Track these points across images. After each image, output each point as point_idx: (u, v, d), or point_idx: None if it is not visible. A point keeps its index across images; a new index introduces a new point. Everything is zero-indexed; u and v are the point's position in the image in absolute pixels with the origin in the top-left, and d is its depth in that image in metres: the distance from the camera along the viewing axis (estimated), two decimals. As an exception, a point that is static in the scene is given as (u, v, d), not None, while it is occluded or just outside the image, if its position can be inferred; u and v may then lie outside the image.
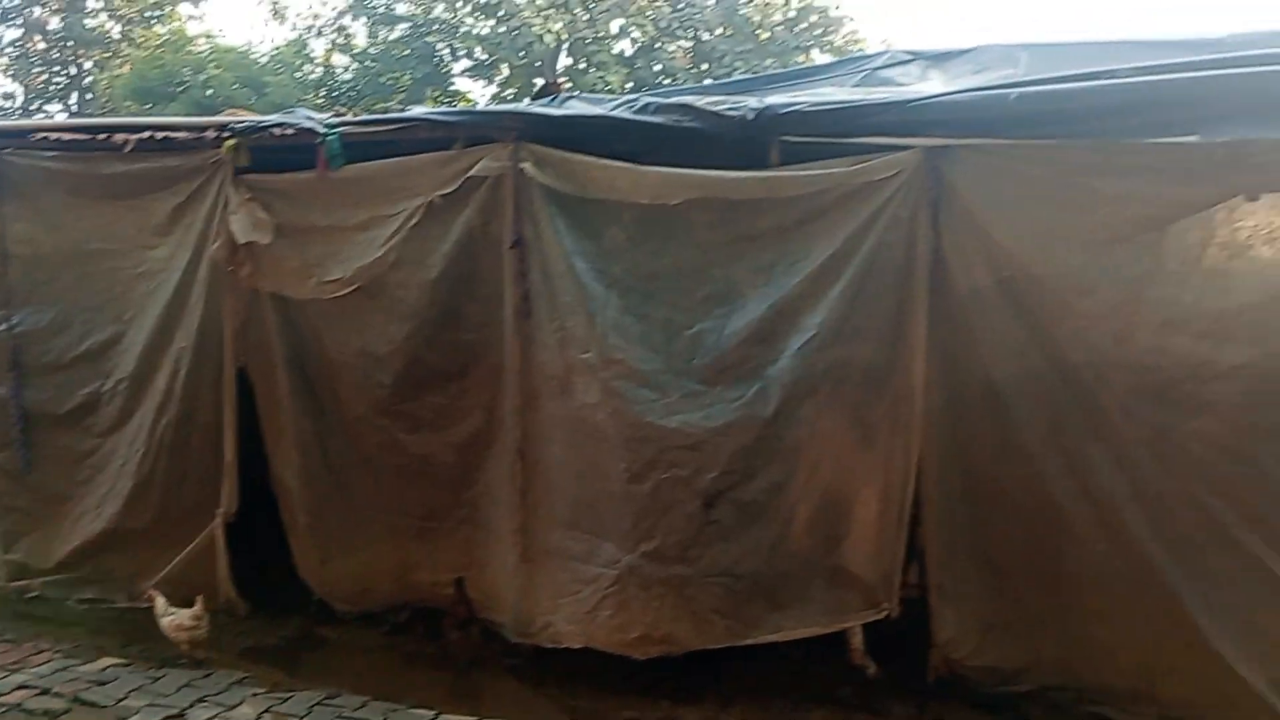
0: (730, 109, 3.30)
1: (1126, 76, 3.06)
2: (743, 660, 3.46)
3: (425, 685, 3.53)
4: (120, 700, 3.35)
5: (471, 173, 3.50)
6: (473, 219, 3.56)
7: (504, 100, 17.25)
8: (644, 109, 3.38)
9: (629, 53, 17.73)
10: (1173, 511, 3.17)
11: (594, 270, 3.44)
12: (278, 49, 18.46)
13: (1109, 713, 3.27)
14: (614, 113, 3.40)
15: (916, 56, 4.41)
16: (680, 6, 17.05)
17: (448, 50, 18.16)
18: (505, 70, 17.99)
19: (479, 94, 18.42)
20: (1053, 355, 3.22)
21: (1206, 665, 3.14)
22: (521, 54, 17.30)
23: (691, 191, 3.35)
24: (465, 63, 18.51)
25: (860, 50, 15.94)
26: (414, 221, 3.56)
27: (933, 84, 4.01)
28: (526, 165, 3.46)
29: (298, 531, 3.90)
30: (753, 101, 3.33)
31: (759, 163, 3.37)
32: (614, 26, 17.53)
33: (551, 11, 16.73)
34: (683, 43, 17.40)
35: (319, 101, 16.87)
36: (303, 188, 3.68)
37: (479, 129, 3.55)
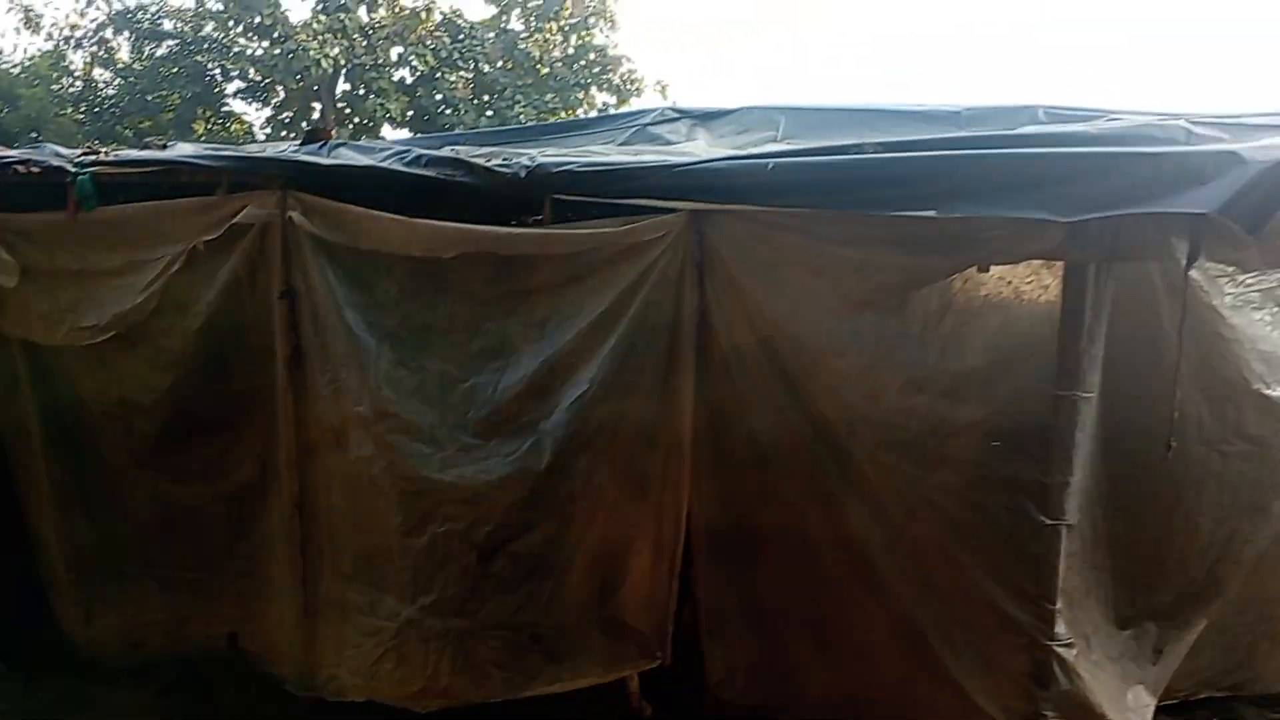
0: (502, 165, 3.46)
1: (872, 152, 3.41)
2: (525, 711, 3.72)
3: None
4: None
5: (236, 220, 3.53)
6: (239, 267, 3.60)
7: (280, 124, 17.45)
8: (415, 161, 3.49)
9: (409, 80, 18.08)
10: (920, 557, 3.57)
11: (366, 322, 3.56)
12: (31, 59, 17.66)
13: None
14: (384, 164, 3.50)
15: (683, 115, 4.69)
16: (460, 38, 17.77)
17: (219, 70, 17.95)
18: (281, 93, 17.89)
19: (254, 116, 18.50)
20: (809, 411, 3.55)
21: (951, 697, 3.57)
22: (298, 77, 17.23)
23: (464, 246, 3.50)
24: (238, 83, 18.30)
25: (637, 89, 18.20)
26: (175, 268, 3.57)
27: (698, 143, 4.28)
28: (294, 214, 3.52)
29: (58, 587, 3.90)
30: (525, 159, 3.49)
31: (531, 221, 3.55)
32: (393, 54, 17.74)
33: (329, 36, 16.65)
34: (463, 73, 18.05)
35: (79, 117, 16.28)
36: (51, 229, 3.62)
37: (244, 174, 3.58)
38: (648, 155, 3.75)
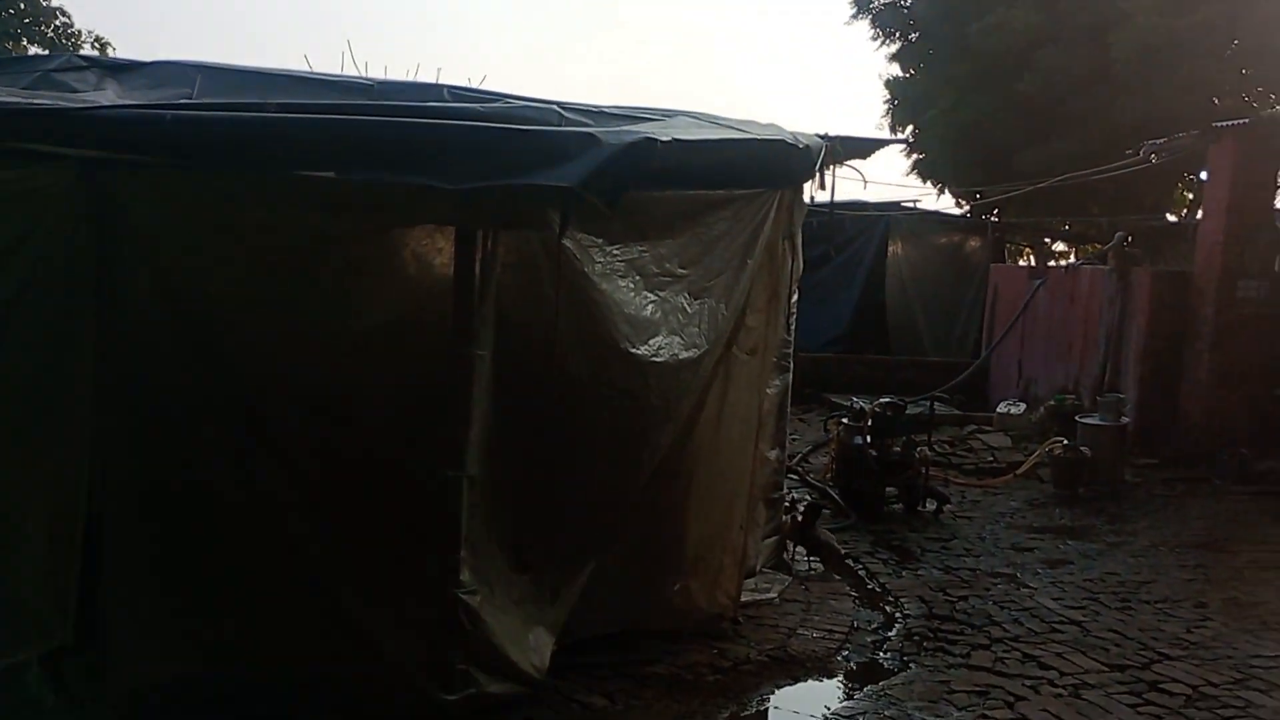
0: None
1: (273, 112, 4.08)
2: None
3: None
4: None
5: None
6: None
7: None
8: None
9: None
10: (333, 513, 4.20)
11: None
12: None
13: (293, 713, 4.15)
14: None
15: (93, 64, 5.05)
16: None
17: None
18: None
19: None
20: (222, 370, 4.05)
21: (368, 655, 4.22)
22: None
23: None
24: None
25: (73, 44, 19.83)
26: None
27: (107, 94, 4.66)
28: None
29: None
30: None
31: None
32: None
33: None
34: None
35: None
36: None
37: None
38: (44, 99, 3.98)
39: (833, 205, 8.34)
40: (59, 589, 3.92)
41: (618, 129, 4.59)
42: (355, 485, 4.22)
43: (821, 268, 13.38)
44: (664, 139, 4.52)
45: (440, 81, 5.44)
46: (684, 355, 5.04)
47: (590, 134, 4.36)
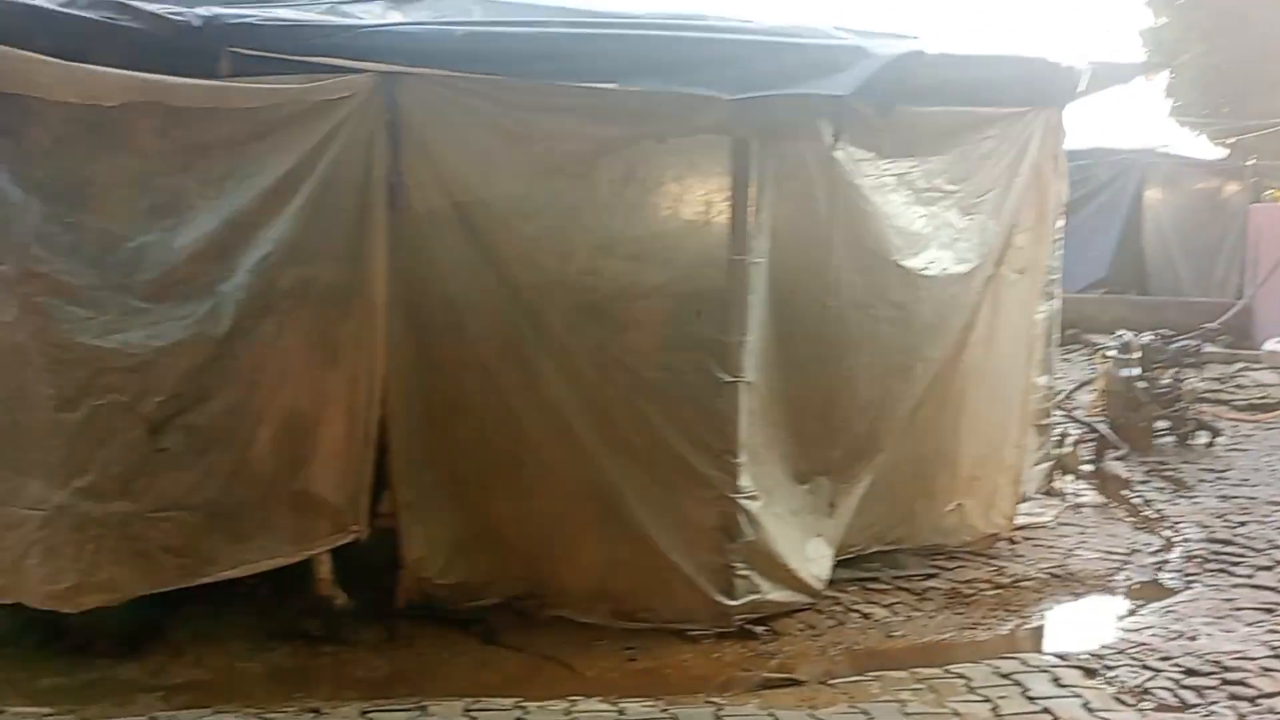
0: (175, 13, 3.85)
1: (560, 27, 4.23)
2: (198, 604, 3.96)
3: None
4: None
5: None
6: None
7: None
8: (72, 2, 3.78)
9: None
10: (613, 417, 4.25)
11: (11, 173, 3.71)
12: None
13: (569, 614, 4.24)
14: (35, 1, 3.76)
15: None
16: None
17: None
18: None
19: None
20: (503, 276, 4.15)
21: (647, 557, 4.24)
22: None
23: (130, 94, 3.79)
24: None
25: None
26: None
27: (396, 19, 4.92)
28: (-84, 50, 3.65)
29: None
30: (201, 9, 3.91)
31: (209, 74, 3.95)
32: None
33: None
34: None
35: None
36: None
37: None
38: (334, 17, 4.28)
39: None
40: (354, 486, 4.10)
41: (885, 43, 4.53)
42: (633, 388, 4.30)
43: (1079, 210, 13.05)
44: (932, 51, 4.43)
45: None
46: (955, 270, 4.90)
47: (860, 46, 4.30)
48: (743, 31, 4.39)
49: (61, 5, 3.78)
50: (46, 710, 3.48)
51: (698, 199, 4.41)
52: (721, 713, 3.63)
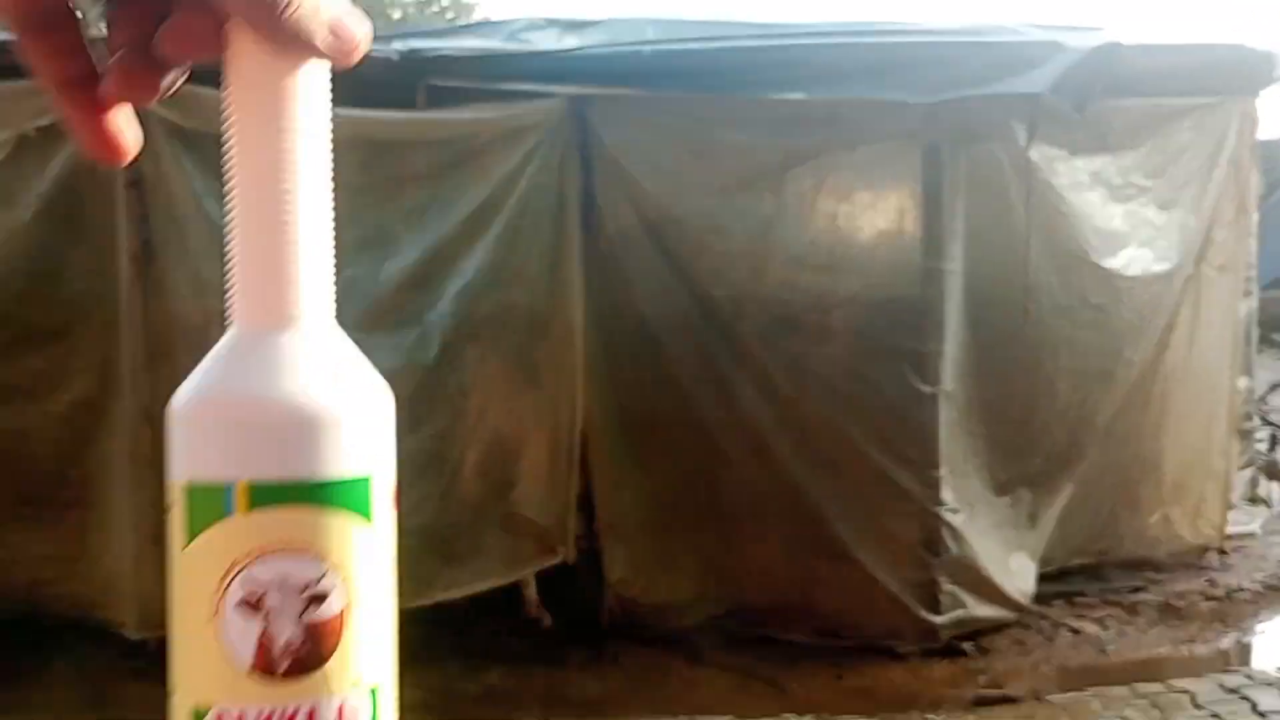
0: (375, 50, 3.94)
1: (745, 40, 4.20)
2: (413, 626, 4.02)
3: (30, 705, 3.67)
4: None
5: (75, 102, 3.77)
6: (77, 155, 3.82)
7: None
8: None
9: None
10: (809, 432, 4.20)
11: (230, 212, 3.87)
12: None
13: (772, 632, 4.18)
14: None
15: (553, 23, 5.39)
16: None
17: None
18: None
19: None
20: (696, 292, 4.14)
21: (849, 574, 4.18)
22: None
23: (336, 131, 3.91)
24: None
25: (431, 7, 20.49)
26: (1, 157, 3.76)
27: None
28: (143, 97, 3.81)
29: None
30: (397, 44, 4.01)
31: (407, 107, 4.05)
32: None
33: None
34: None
35: None
36: None
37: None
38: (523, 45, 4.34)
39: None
40: (560, 507, 4.14)
41: (1078, 34, 4.38)
42: (830, 402, 4.24)
43: (1263, 202, 12.41)
44: (1129, 43, 4.26)
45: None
46: (1155, 268, 4.69)
47: (1054, 41, 4.17)
48: (930, 34, 4.30)
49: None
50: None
51: (890, 206, 4.33)
52: (941, 732, 3.56)
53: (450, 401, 3.99)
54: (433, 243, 4.00)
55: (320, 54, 0.44)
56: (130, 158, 0.48)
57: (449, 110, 4.04)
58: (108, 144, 0.47)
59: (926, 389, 4.19)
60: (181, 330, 3.86)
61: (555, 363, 4.11)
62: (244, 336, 0.45)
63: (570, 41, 5.25)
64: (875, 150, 4.28)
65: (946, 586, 4.20)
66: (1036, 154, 4.33)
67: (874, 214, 4.32)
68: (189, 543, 0.43)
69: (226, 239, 0.45)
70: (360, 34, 0.45)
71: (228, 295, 0.45)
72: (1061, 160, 4.46)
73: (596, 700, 3.92)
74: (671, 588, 4.22)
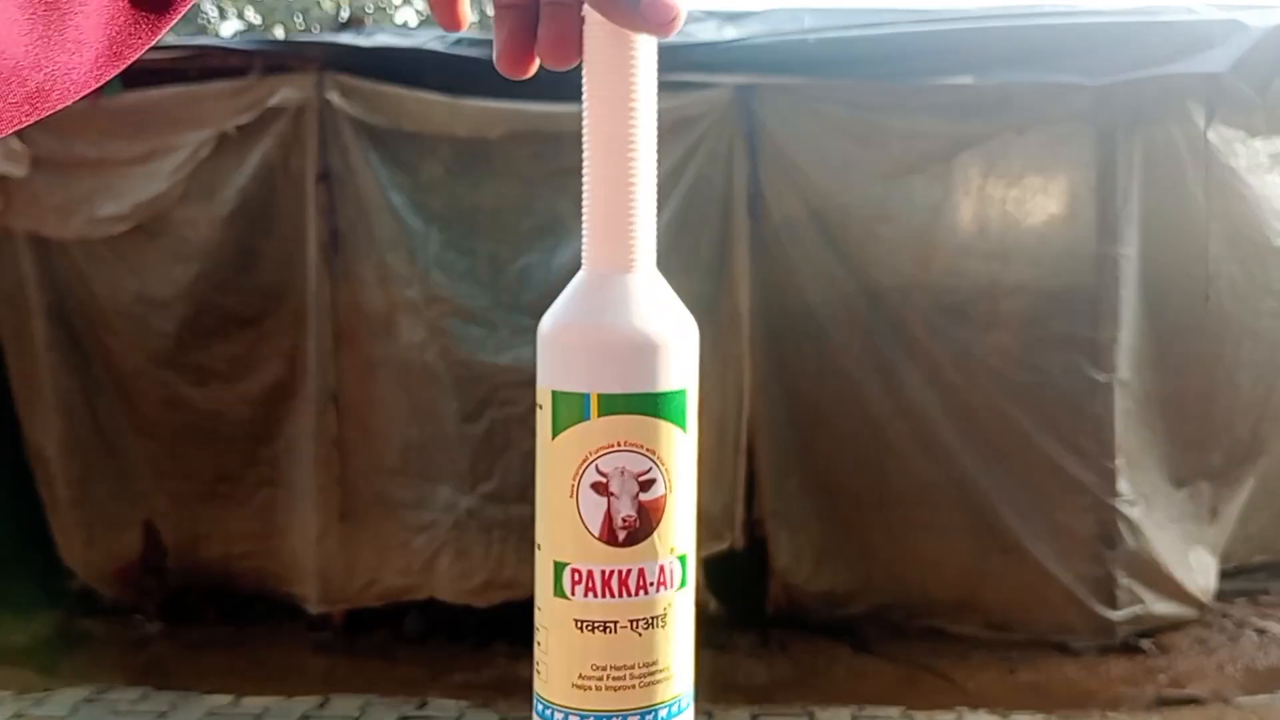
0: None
1: (909, 25, 4.18)
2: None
3: (219, 671, 3.87)
4: None
5: (270, 103, 4.00)
6: (271, 151, 4.02)
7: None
8: (457, 42, 4.06)
9: (413, 24, 19.29)
10: (979, 422, 4.14)
11: (412, 205, 4.02)
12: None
13: (940, 624, 4.14)
14: (426, 45, 4.06)
15: (711, 15, 5.45)
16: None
17: (215, 9, 18.87)
18: (282, 35, 18.80)
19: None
20: (862, 280, 4.13)
21: (1021, 567, 4.10)
22: (298, 18, 18.26)
23: (510, 125, 4.05)
24: (235, 24, 19.19)
25: None
26: (204, 154, 4.00)
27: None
28: (333, 96, 4.02)
29: (58, 508, 4.12)
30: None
31: (576, 100, 4.14)
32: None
33: (327, -27, 17.67)
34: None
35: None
36: (69, 116, 3.98)
37: (278, 58, 4.07)
38: (685, 34, 4.40)
39: None
40: (727, 494, 4.16)
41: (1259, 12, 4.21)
42: (1000, 391, 4.16)
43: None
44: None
45: None
46: (1341, 256, 4.49)
47: (1233, 19, 4.02)
48: (1102, 14, 4.20)
49: (448, 47, 4.07)
50: (465, 703, 3.69)
51: (1061, 191, 4.24)
52: (1125, 730, 3.45)
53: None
54: (604, 232, 4.07)
55: (649, 28, 0.51)
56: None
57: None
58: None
59: (1101, 377, 4.09)
60: (366, 317, 4.04)
61: (723, 350, 4.13)
62: (594, 276, 0.56)
63: (730, 33, 5.31)
64: (1046, 134, 4.19)
65: (1123, 581, 4.08)
66: (1215, 136, 4.19)
67: (1045, 199, 4.23)
68: (555, 436, 0.54)
69: (585, 197, 0.56)
70: (679, 7, 0.51)
71: (584, 242, 0.57)
72: (1239, 141, 4.30)
73: (764, 686, 3.92)
74: (836, 576, 4.20)
